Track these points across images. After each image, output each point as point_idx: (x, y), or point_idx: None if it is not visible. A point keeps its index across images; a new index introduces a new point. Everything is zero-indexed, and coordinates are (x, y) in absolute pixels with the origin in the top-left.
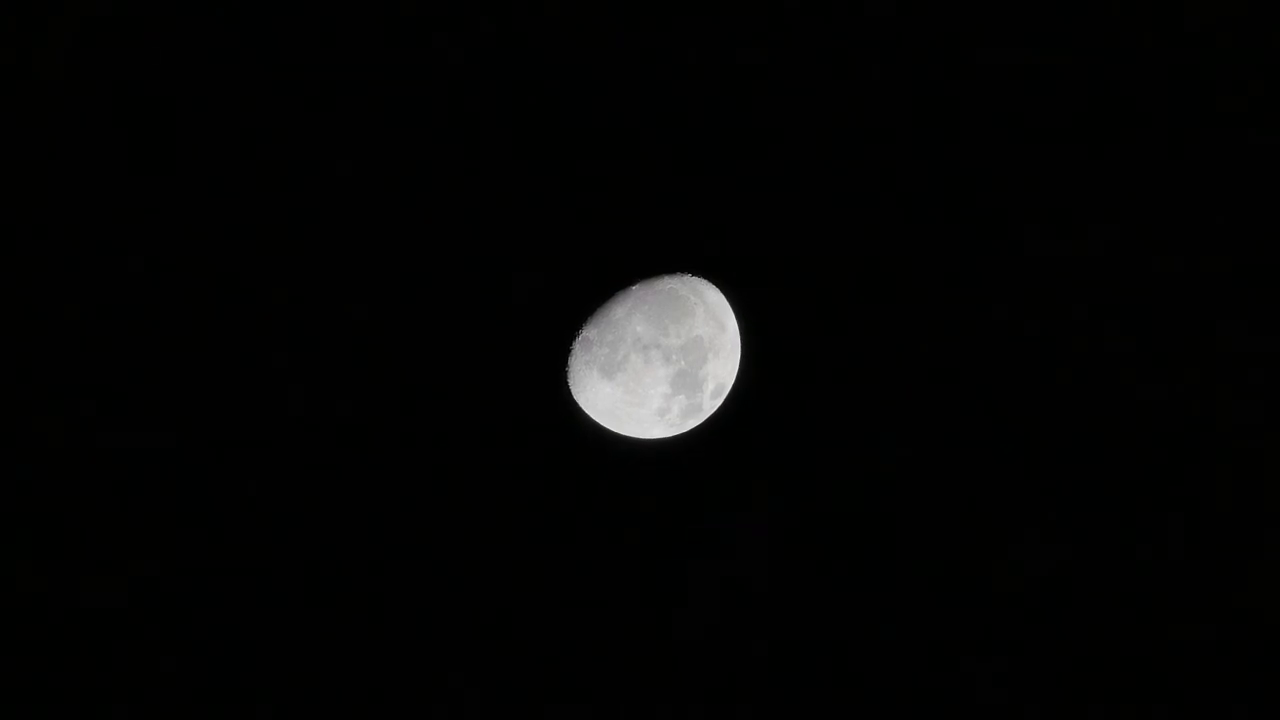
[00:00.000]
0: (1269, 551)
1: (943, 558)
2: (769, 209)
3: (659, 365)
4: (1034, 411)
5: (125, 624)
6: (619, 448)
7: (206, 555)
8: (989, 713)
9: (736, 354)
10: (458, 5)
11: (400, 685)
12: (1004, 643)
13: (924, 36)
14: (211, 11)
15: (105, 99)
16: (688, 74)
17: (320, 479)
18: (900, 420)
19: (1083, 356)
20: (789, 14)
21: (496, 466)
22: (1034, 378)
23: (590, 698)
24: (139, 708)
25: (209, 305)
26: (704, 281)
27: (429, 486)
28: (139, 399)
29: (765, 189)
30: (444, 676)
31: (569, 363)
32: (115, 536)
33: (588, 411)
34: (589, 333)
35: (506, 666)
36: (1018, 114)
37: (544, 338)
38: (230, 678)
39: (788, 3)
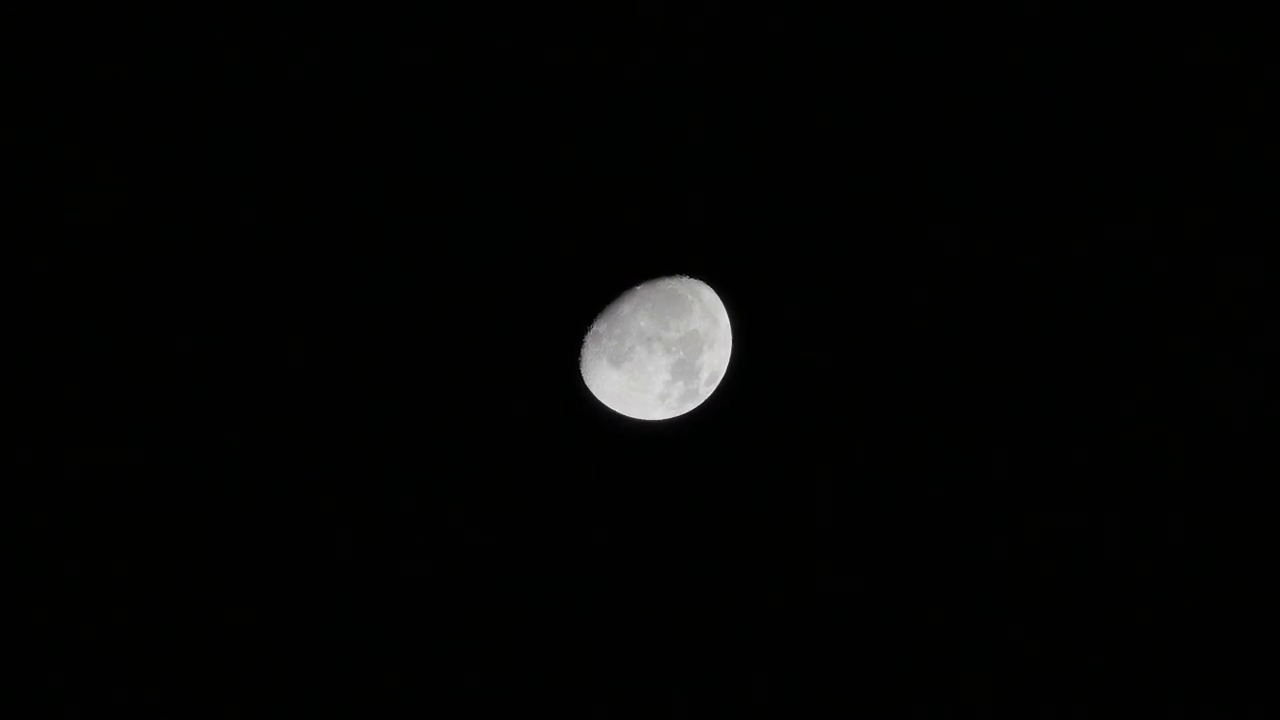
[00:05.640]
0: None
1: (921, 535)
2: (758, 219)
3: (660, 355)
4: (1015, 401)
5: (135, 624)
6: (625, 428)
7: (212, 548)
8: (982, 707)
9: (728, 346)
10: (468, 8)
11: (416, 656)
12: (995, 635)
13: (913, 38)
14: (211, 12)
15: (106, 98)
16: (686, 87)
17: (360, 450)
18: (879, 407)
19: (1070, 352)
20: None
21: (517, 445)
22: (1016, 369)
23: (595, 662)
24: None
25: (235, 301)
26: (700, 282)
27: (456, 461)
28: (167, 400)
29: (755, 200)
30: (459, 642)
31: (581, 354)
32: (133, 539)
33: (597, 396)
34: (599, 327)
35: (517, 628)
36: (1008, 112)
37: (559, 332)
38: (236, 673)
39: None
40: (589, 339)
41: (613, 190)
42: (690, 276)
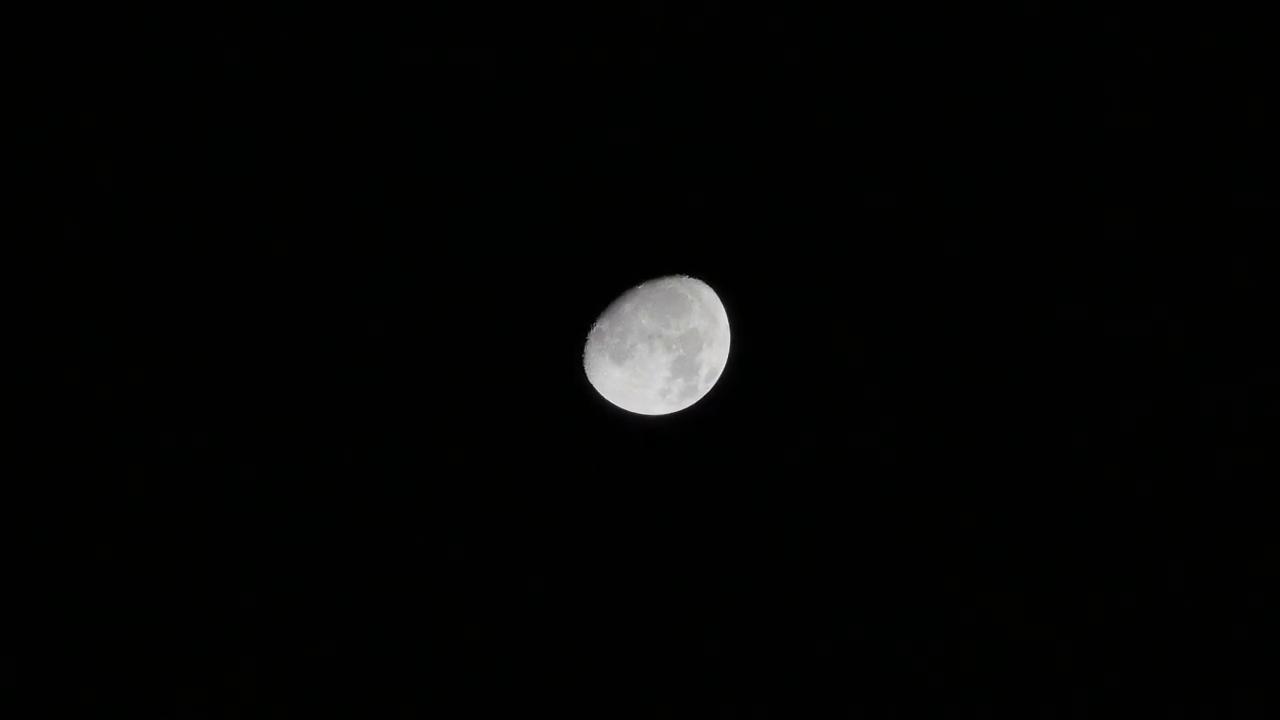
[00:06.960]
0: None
1: (908, 527)
2: (757, 219)
3: (661, 353)
4: (1015, 401)
5: (135, 624)
6: (627, 423)
7: (212, 548)
8: (982, 706)
9: (726, 344)
10: (468, 8)
11: (417, 655)
12: (995, 634)
13: (913, 38)
14: (211, 12)
15: (106, 98)
16: (685, 92)
17: (363, 449)
18: (877, 405)
19: (1070, 352)
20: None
21: (524, 439)
22: (1016, 369)
23: (596, 651)
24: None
25: (236, 301)
26: (699, 282)
27: (461, 457)
28: (167, 400)
29: (755, 200)
30: (466, 630)
31: (585, 351)
32: (133, 539)
33: (600, 392)
34: (601, 325)
35: (518, 626)
36: (1008, 112)
37: (563, 330)
38: (236, 673)
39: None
40: (592, 337)
41: (613, 190)
42: (690, 276)
